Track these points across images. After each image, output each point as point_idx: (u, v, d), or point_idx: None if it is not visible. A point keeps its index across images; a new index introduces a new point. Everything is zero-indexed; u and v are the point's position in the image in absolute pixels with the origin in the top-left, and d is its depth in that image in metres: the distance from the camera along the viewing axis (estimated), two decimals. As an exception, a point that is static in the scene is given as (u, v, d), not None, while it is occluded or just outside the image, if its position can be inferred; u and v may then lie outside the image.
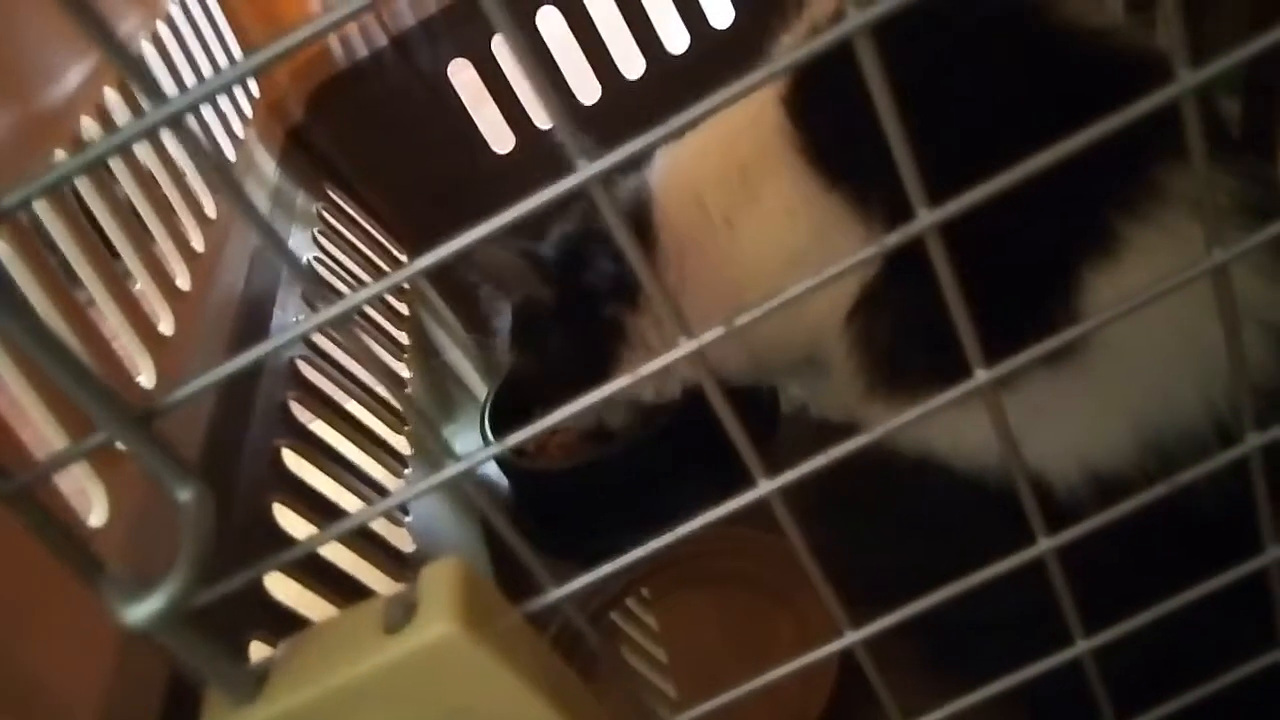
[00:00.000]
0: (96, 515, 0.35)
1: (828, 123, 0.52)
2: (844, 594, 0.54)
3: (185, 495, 0.21)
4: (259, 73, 0.19)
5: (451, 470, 0.24)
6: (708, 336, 0.24)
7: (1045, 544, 0.28)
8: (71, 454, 0.22)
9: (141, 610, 0.20)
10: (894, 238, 0.23)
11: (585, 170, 0.21)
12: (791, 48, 0.52)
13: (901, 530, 0.54)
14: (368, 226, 0.82)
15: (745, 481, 0.72)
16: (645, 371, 0.25)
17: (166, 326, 0.48)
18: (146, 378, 0.44)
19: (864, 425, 0.52)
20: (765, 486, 0.26)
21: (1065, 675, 0.33)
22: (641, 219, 0.58)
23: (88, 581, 0.21)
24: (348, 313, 0.22)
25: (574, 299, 0.59)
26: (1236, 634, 0.35)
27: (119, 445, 0.20)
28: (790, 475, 0.26)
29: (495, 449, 0.25)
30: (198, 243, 0.56)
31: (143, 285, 0.49)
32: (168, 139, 0.57)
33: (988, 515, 0.54)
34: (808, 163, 0.52)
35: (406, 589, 0.23)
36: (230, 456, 0.47)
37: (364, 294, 0.23)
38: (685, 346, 0.24)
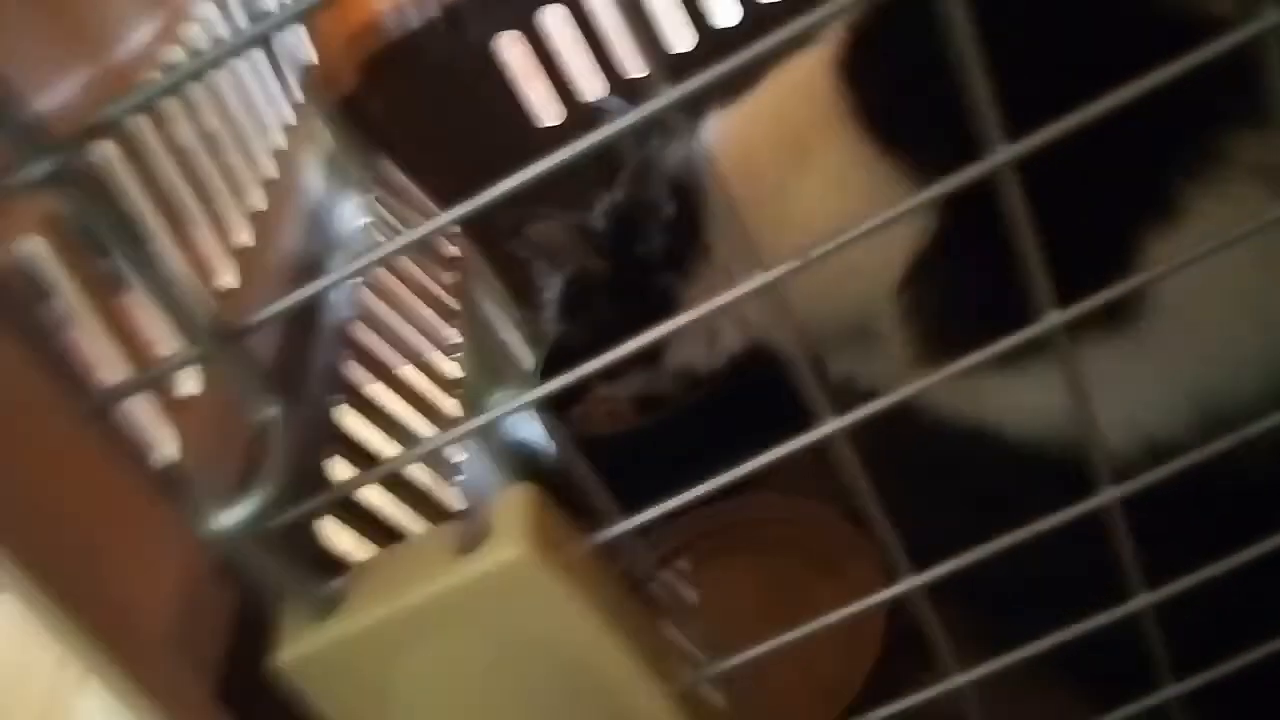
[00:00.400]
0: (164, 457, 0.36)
1: (881, 87, 0.52)
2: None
3: (271, 410, 0.22)
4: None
5: (487, 417, 0.24)
6: (778, 270, 0.24)
7: (1109, 493, 0.28)
8: (162, 371, 0.22)
9: (230, 518, 0.20)
10: (971, 171, 0.23)
11: (665, 96, 0.21)
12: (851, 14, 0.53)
13: (951, 500, 0.54)
14: (419, 196, 0.83)
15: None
16: (707, 309, 0.25)
17: (229, 280, 0.49)
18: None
19: (916, 398, 0.52)
20: (831, 425, 0.26)
21: (1112, 642, 0.33)
22: (693, 185, 0.59)
23: (172, 492, 0.22)
24: (413, 244, 0.23)
25: (626, 269, 0.59)
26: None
27: (203, 364, 0.21)
28: (857, 415, 0.26)
29: (546, 389, 0.25)
30: (259, 201, 0.57)
31: (205, 239, 0.50)
32: (230, 97, 0.58)
33: (1038, 487, 0.54)
34: (860, 128, 0.52)
35: (481, 512, 0.24)
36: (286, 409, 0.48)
37: (429, 226, 0.23)
38: (756, 280, 0.24)
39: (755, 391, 0.64)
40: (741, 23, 0.86)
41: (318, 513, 0.42)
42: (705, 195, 0.58)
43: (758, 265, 0.24)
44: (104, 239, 0.19)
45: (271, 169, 0.61)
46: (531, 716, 0.25)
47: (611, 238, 0.60)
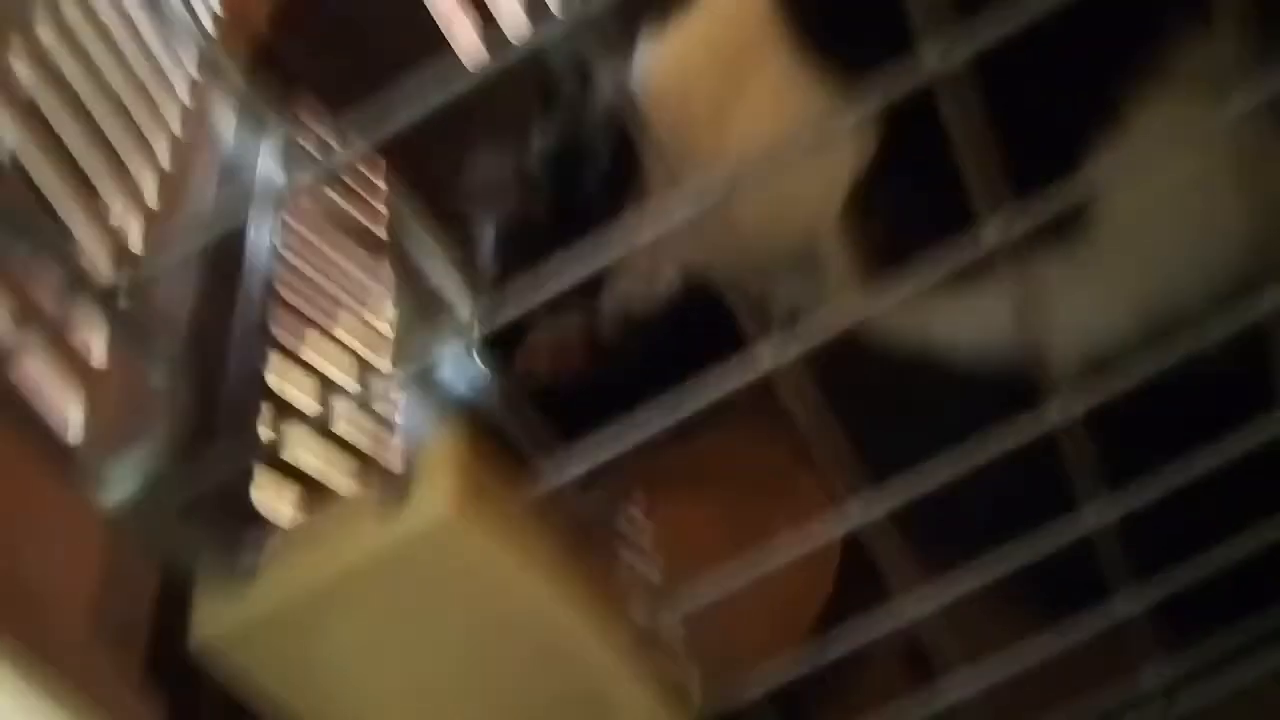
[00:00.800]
0: (73, 434, 0.34)
1: (818, 7, 0.50)
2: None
3: (158, 372, 0.20)
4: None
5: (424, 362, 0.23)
6: (710, 189, 0.22)
7: (1068, 406, 0.28)
8: (39, 329, 0.20)
9: (119, 484, 0.19)
10: (905, 81, 0.21)
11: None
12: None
13: (899, 424, 0.53)
14: (336, 146, 0.80)
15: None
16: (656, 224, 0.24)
17: (135, 243, 0.46)
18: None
19: (862, 324, 0.51)
20: (772, 355, 0.25)
21: (1064, 562, 0.32)
22: (629, 117, 0.56)
23: (76, 468, 0.20)
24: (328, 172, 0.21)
25: (566, 205, 0.57)
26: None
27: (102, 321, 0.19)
28: (802, 342, 0.25)
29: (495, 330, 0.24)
30: (165, 160, 0.54)
31: (111, 199, 0.47)
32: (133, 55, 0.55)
33: (986, 410, 0.54)
34: (798, 50, 0.50)
35: (404, 468, 0.22)
36: (213, 369, 0.45)
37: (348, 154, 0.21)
38: (689, 198, 0.22)
39: (698, 335, 0.63)
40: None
41: (245, 475, 0.40)
42: (642, 127, 0.56)
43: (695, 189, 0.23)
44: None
45: (179, 119, 0.58)
46: (474, 679, 0.24)
47: (548, 177, 0.58)
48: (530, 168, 0.59)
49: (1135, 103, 0.41)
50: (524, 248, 0.58)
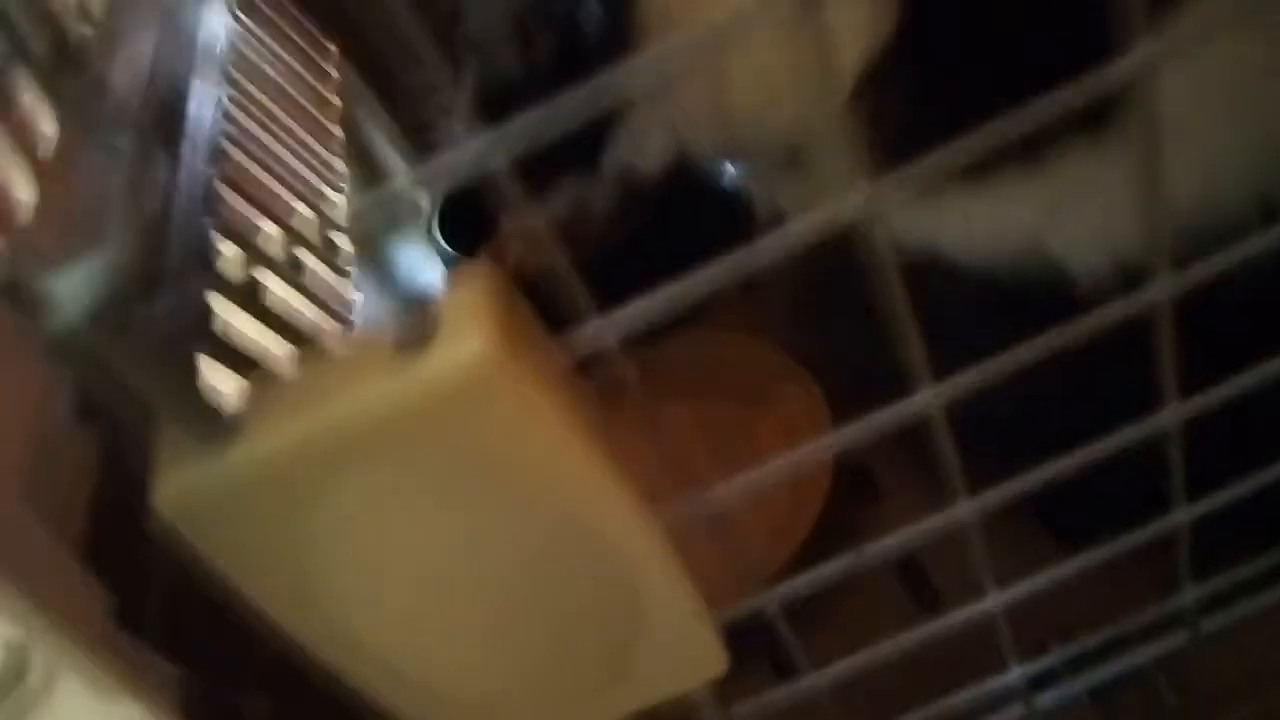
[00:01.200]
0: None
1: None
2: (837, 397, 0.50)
3: (121, 142, 0.15)
4: None
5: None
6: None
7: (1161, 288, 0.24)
8: None
9: (64, 305, 0.14)
10: None
11: None
12: None
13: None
14: (289, 7, 0.73)
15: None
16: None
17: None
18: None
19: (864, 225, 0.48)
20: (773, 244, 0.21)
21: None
22: None
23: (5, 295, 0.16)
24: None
25: (563, 54, 0.52)
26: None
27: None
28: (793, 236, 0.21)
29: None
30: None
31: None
32: None
33: (994, 318, 0.51)
34: None
35: (426, 304, 0.18)
36: (157, 236, 0.40)
37: None
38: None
39: (684, 226, 0.59)
40: None
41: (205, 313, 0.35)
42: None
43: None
44: None
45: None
46: (487, 563, 0.21)
47: (545, 16, 0.52)
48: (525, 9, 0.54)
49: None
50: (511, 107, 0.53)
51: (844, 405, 0.51)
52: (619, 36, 0.51)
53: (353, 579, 0.20)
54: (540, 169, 0.62)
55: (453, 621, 0.21)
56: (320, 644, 0.21)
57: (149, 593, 0.26)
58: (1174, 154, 0.41)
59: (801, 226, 0.22)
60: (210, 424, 0.18)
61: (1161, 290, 0.24)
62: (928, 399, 0.24)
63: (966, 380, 0.25)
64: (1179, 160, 0.39)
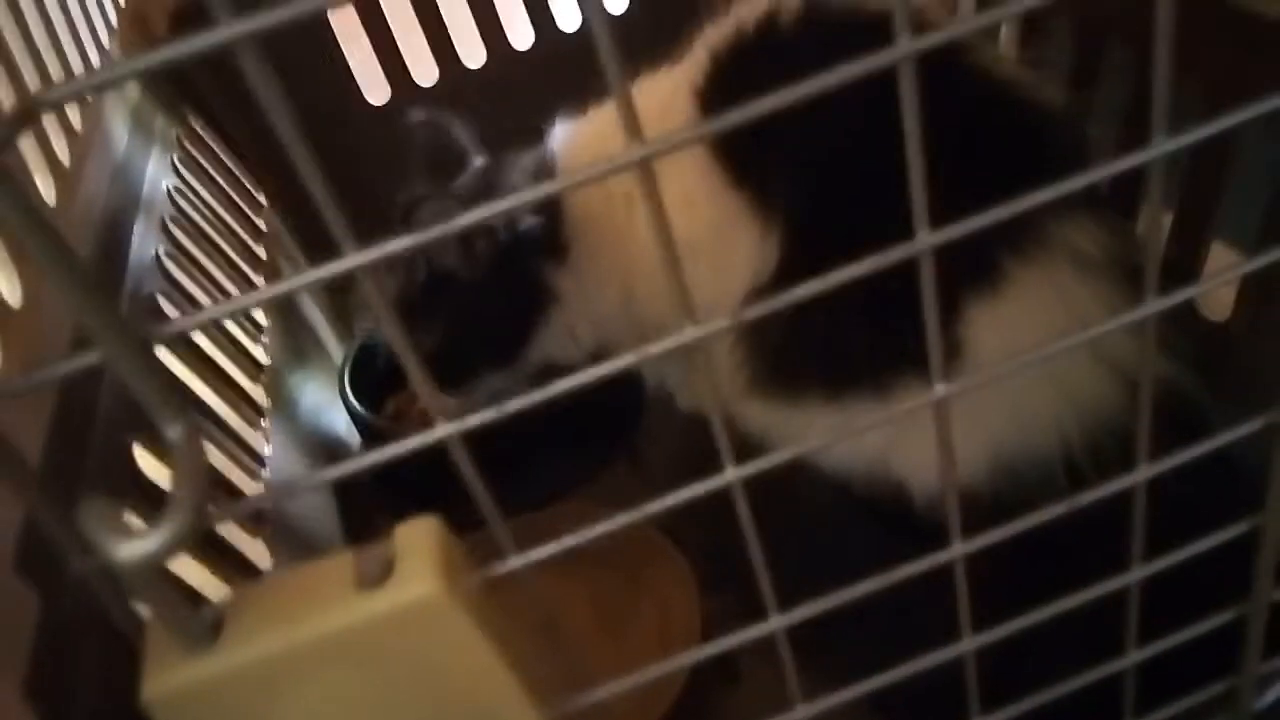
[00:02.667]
0: None
1: (741, 135, 0.53)
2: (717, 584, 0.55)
3: (175, 432, 0.20)
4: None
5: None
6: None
7: (959, 549, 0.31)
8: (63, 369, 0.20)
9: (131, 550, 0.18)
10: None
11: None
12: (714, 39, 0.54)
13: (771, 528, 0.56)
14: (226, 160, 0.78)
15: (597, 459, 0.72)
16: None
17: (12, 293, 0.43)
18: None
19: (740, 419, 0.54)
20: (731, 474, 0.27)
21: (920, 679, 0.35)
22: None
23: (53, 509, 0.20)
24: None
25: (502, 259, 0.57)
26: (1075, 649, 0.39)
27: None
28: (754, 466, 0.27)
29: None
30: (63, 154, 0.51)
31: None
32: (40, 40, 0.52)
33: (848, 520, 0.57)
34: (714, 157, 0.53)
35: (380, 545, 0.23)
36: (89, 394, 0.43)
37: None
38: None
39: (568, 400, 0.64)
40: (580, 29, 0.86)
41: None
42: (560, 198, 0.58)
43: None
44: None
45: (76, 120, 0.56)
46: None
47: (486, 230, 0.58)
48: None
49: (1016, 263, 0.46)
50: (443, 300, 0.58)
51: (714, 582, 0.56)
52: (552, 238, 0.57)
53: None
54: (464, 359, 0.67)
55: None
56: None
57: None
58: (984, 396, 0.49)
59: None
60: (194, 631, 0.22)
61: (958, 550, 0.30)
62: (777, 623, 0.30)
63: (813, 609, 0.30)
64: (987, 402, 0.47)
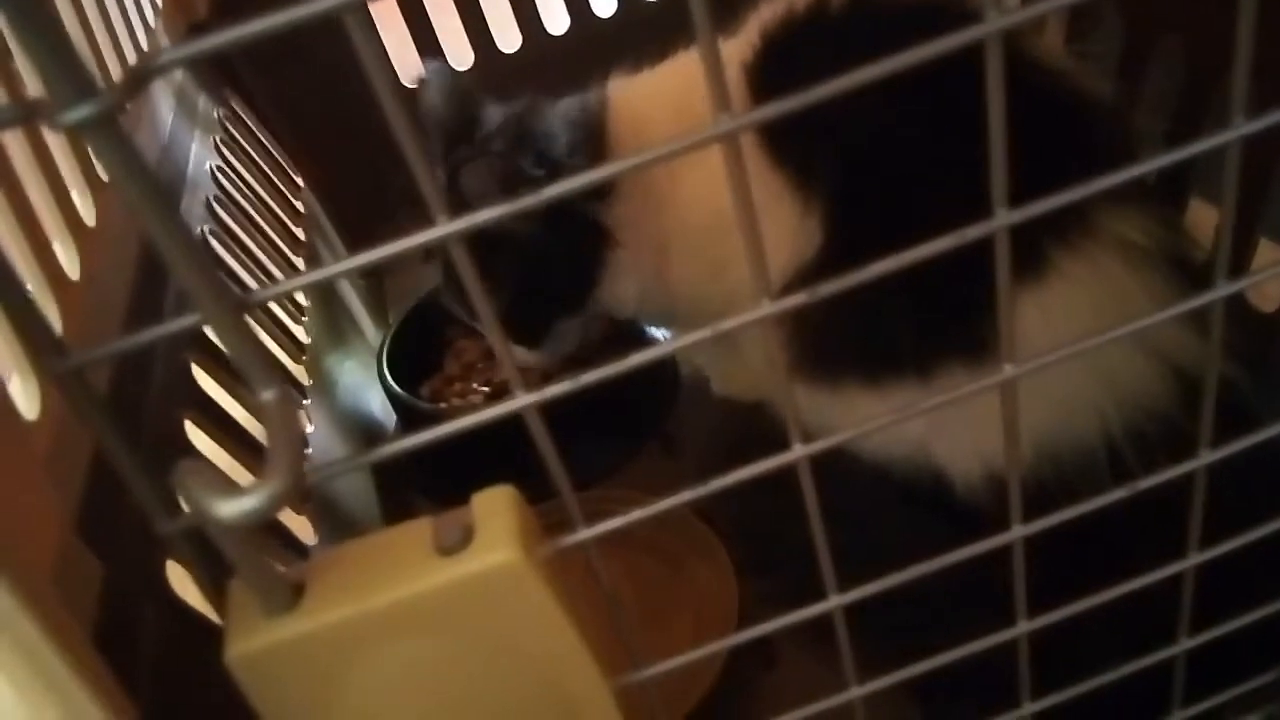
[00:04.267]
0: (29, 409, 0.33)
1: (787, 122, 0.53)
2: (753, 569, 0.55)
3: (269, 395, 0.20)
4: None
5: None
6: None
7: (1018, 530, 0.31)
8: (155, 334, 0.20)
9: (233, 507, 0.19)
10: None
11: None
12: (767, 17, 0.53)
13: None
14: (265, 142, 0.78)
15: (633, 439, 0.71)
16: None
17: (71, 266, 0.43)
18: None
19: (774, 404, 0.54)
20: (798, 451, 0.27)
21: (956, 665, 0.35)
22: (595, 130, 0.58)
23: (159, 470, 0.20)
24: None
25: (553, 208, 0.57)
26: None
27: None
28: (821, 445, 0.27)
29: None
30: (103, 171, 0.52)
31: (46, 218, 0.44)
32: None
33: (888, 507, 0.57)
34: (758, 135, 0.53)
35: (459, 512, 0.23)
36: (140, 374, 0.44)
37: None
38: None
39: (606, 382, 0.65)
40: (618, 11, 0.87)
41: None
42: (605, 133, 0.58)
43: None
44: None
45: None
46: (482, 711, 0.25)
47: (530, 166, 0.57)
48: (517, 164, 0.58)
49: (1062, 251, 0.46)
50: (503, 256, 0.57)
51: (753, 570, 0.56)
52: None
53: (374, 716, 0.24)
54: (536, 312, 0.67)
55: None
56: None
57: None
58: (1028, 384, 0.49)
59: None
60: (278, 593, 0.22)
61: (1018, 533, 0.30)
62: (834, 603, 0.30)
63: (869, 589, 0.30)
64: (1032, 389, 0.47)
